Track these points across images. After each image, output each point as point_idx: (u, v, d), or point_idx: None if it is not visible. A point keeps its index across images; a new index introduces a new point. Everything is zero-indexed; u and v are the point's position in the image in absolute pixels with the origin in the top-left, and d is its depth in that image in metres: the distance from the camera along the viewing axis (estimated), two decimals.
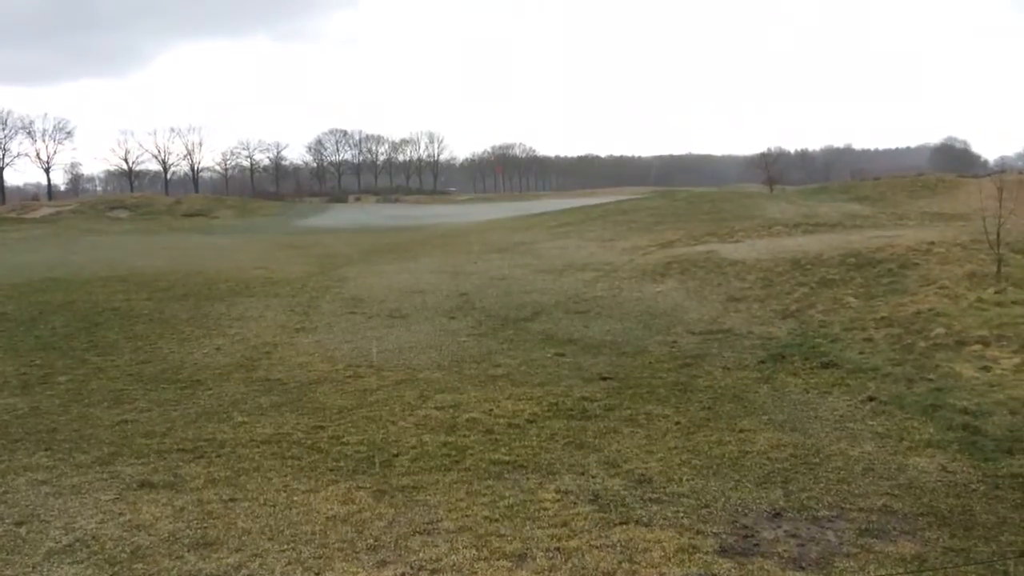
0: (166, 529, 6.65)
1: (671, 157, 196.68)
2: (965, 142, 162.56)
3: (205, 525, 6.72)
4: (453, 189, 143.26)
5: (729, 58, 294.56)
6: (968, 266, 17.18)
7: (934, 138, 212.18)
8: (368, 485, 7.67)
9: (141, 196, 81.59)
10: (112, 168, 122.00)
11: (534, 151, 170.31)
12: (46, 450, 8.97)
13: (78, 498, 7.43)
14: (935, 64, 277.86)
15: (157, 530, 6.63)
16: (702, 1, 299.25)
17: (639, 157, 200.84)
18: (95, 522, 6.82)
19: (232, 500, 7.34)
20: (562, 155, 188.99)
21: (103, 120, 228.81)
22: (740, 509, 6.97)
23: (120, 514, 7.01)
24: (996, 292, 14.98)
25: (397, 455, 8.61)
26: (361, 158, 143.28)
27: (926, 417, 9.31)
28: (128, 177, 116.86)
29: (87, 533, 6.58)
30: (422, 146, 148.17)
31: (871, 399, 10.12)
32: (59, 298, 19.79)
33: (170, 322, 17.15)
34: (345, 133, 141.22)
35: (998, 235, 16.99)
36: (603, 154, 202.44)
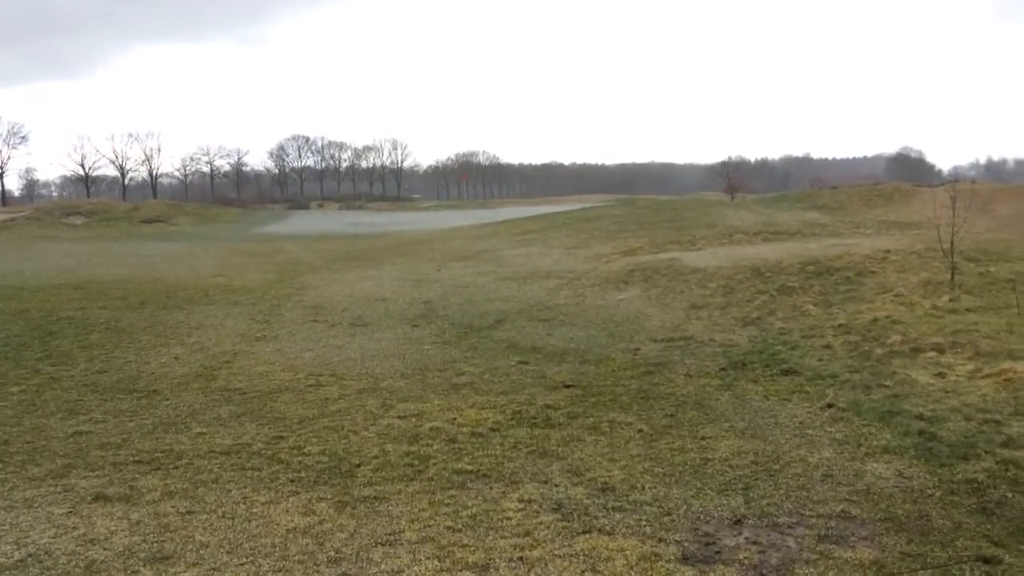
0: (121, 543, 6.50)
1: (634, 165, 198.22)
2: (920, 152, 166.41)
3: (162, 539, 6.59)
4: (417, 196, 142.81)
5: (691, 68, 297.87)
6: (923, 274, 17.53)
7: (890, 148, 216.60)
8: (329, 496, 7.59)
9: (98, 202, 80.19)
10: (68, 173, 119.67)
11: (498, 158, 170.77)
12: None
13: (30, 512, 7.24)
14: (891, 75, 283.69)
15: (112, 544, 6.49)
16: (664, 12, 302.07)
17: (602, 165, 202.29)
18: (48, 536, 6.65)
19: (190, 513, 7.21)
20: (526, 163, 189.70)
21: (60, 124, 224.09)
22: (702, 516, 7.01)
23: (74, 528, 6.85)
24: (950, 300, 15.30)
25: (359, 465, 8.52)
26: (324, 164, 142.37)
27: (883, 423, 9.45)
28: (85, 183, 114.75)
29: (39, 548, 6.42)
30: (385, 153, 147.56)
31: (830, 406, 10.26)
32: (12, 306, 19.35)
33: (127, 331, 16.85)
34: (308, 139, 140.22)
35: (952, 244, 17.36)
36: (567, 162, 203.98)
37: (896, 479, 7.82)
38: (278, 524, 6.91)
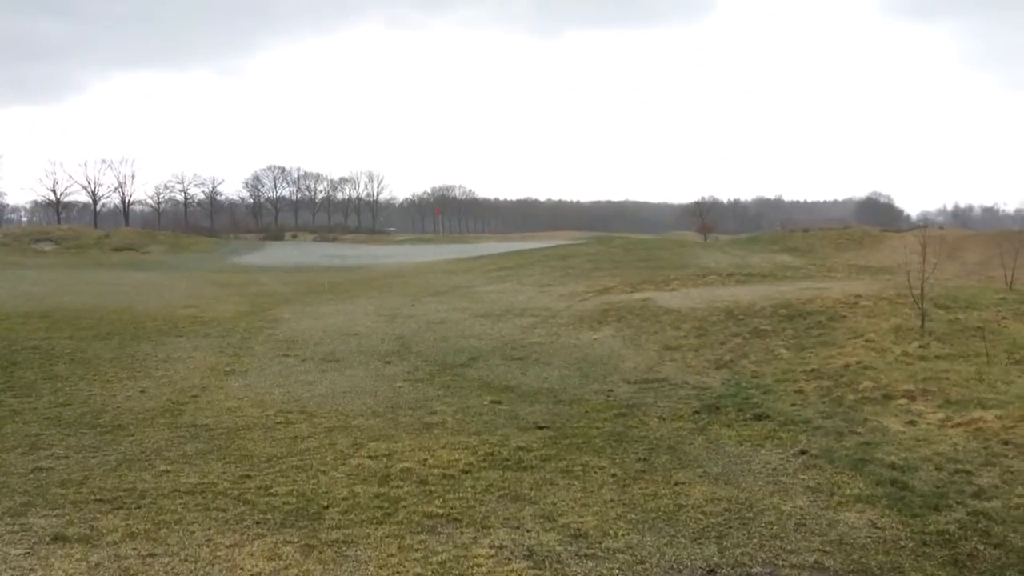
0: None
1: (608, 203, 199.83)
2: (889, 196, 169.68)
3: None
4: (392, 229, 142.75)
5: (666, 108, 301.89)
6: (894, 320, 17.70)
7: (859, 192, 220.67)
8: (296, 539, 7.42)
9: (69, 228, 79.20)
10: (39, 199, 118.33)
11: (474, 193, 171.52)
12: None
13: None
14: (861, 121, 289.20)
15: None
16: (640, 55, 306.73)
17: (577, 202, 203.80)
18: None
19: (151, 555, 7.01)
20: (502, 198, 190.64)
21: (31, 149, 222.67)
22: (675, 565, 6.94)
23: (31, 570, 6.63)
24: (920, 346, 15.44)
25: (327, 507, 8.36)
26: (299, 195, 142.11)
27: (856, 471, 9.45)
28: (56, 208, 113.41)
29: None
30: (361, 185, 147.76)
31: (803, 452, 10.25)
32: None
33: (93, 362, 16.54)
34: (283, 170, 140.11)
35: (922, 290, 17.56)
36: (542, 198, 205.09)
37: (869, 529, 7.80)
38: (242, 569, 6.73)
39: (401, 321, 22.73)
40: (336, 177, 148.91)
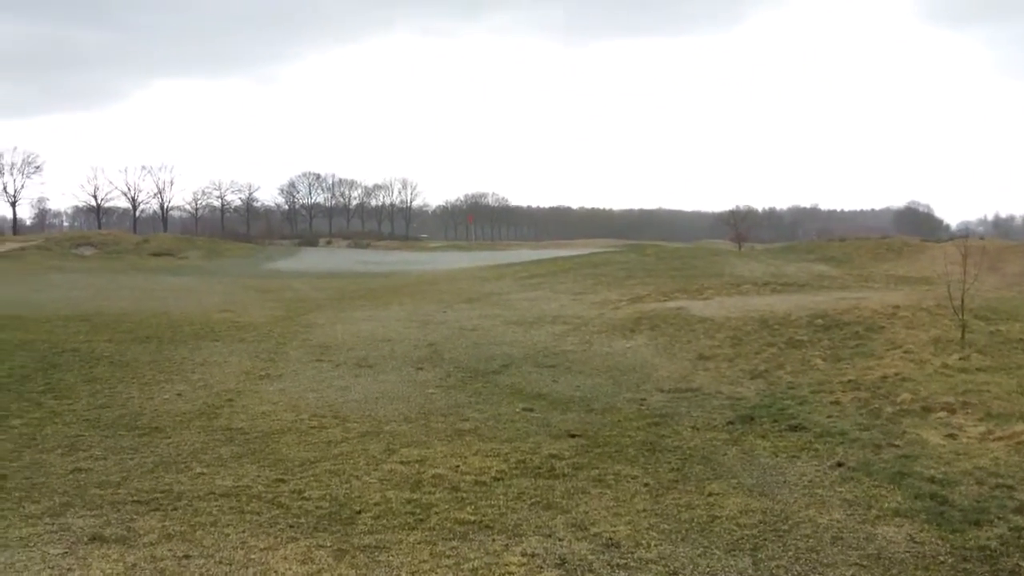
0: None
1: (641, 211, 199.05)
2: (928, 206, 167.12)
3: None
4: (425, 236, 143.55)
5: (701, 116, 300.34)
6: (933, 331, 17.40)
7: (898, 201, 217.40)
8: (329, 544, 7.45)
9: (108, 233, 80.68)
10: (80, 204, 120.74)
11: (506, 200, 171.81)
12: None
13: (26, 551, 7.12)
14: (900, 129, 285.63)
15: None
16: (674, 61, 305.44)
17: (610, 210, 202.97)
18: None
19: (187, 557, 7.08)
20: (535, 205, 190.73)
21: (74, 155, 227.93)
22: None
23: (69, 570, 6.73)
24: (960, 358, 15.16)
25: (360, 512, 8.39)
26: (334, 202, 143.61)
27: (894, 485, 9.28)
28: (96, 213, 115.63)
29: None
30: (395, 192, 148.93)
31: (839, 464, 10.09)
32: (17, 337, 19.33)
33: (131, 365, 16.79)
34: (318, 176, 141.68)
35: (963, 301, 17.25)
36: (575, 206, 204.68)
37: (907, 544, 7.66)
38: (276, 572, 6.78)
39: (433, 327, 22.81)
40: (370, 184, 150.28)
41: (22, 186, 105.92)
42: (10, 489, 9.01)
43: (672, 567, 7.04)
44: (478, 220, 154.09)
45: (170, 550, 7.22)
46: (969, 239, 50.09)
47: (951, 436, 11.04)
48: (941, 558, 7.33)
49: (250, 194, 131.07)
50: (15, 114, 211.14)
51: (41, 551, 7.14)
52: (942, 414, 12.03)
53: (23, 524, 7.86)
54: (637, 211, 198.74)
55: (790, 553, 7.41)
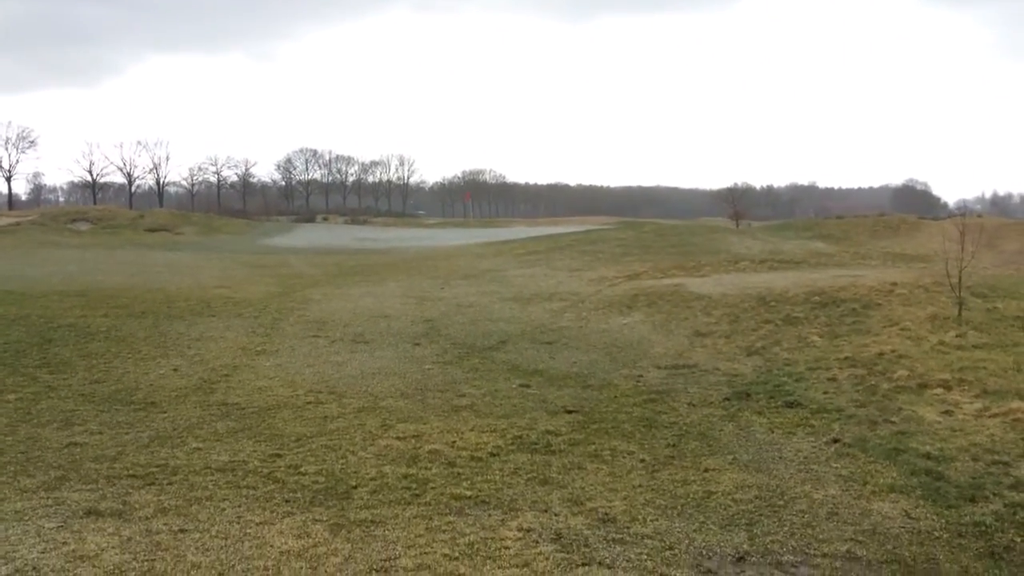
0: (111, 561, 6.37)
1: (639, 188, 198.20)
2: (925, 184, 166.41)
3: (152, 558, 6.46)
4: (422, 212, 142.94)
5: (699, 92, 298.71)
6: (930, 308, 17.39)
7: (895, 179, 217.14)
8: (325, 518, 7.45)
9: (104, 209, 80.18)
10: (76, 179, 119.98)
11: (504, 177, 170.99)
12: None
13: (20, 525, 7.12)
14: (898, 107, 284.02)
15: (102, 561, 6.36)
16: (672, 38, 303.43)
17: (608, 187, 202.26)
18: (37, 552, 6.53)
19: (183, 531, 7.07)
20: (532, 182, 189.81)
21: (69, 130, 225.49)
22: (704, 552, 6.87)
23: (64, 543, 6.72)
24: (957, 335, 15.16)
25: (356, 487, 8.39)
26: (330, 178, 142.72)
27: (889, 461, 9.30)
28: (92, 189, 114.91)
29: (27, 563, 6.29)
30: (392, 168, 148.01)
31: (835, 441, 10.11)
32: (12, 312, 19.26)
33: (127, 340, 16.75)
34: (315, 152, 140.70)
35: (960, 278, 17.22)
36: (572, 183, 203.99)
37: (903, 519, 7.68)
38: (272, 546, 6.77)
39: (430, 304, 22.77)
40: (367, 160, 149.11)
41: (17, 161, 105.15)
42: (5, 463, 9.00)
43: (668, 542, 7.05)
44: (475, 197, 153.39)
45: (166, 524, 7.22)
46: (967, 217, 50.02)
47: (947, 413, 11.05)
48: (936, 534, 7.35)
49: (246, 170, 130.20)
50: (9, 89, 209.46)
51: (36, 525, 7.13)
52: (938, 391, 12.04)
53: (18, 498, 7.85)
54: (635, 188, 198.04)
55: (785, 528, 7.42)
